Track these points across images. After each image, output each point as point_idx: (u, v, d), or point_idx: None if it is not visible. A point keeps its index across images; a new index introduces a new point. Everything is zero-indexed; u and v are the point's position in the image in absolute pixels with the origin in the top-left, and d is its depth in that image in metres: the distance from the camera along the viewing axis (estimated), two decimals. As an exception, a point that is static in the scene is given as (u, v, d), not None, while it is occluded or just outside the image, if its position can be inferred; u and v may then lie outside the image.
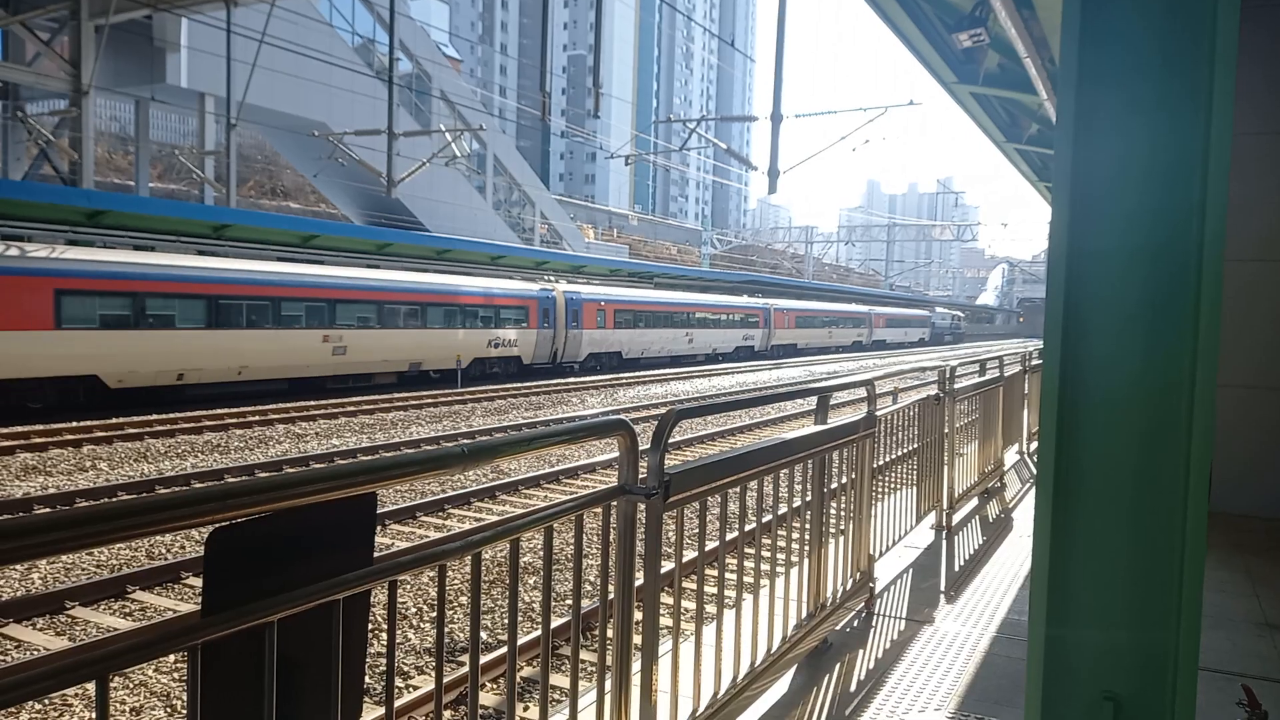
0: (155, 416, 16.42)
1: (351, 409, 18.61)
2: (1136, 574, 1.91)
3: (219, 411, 17.22)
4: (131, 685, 5.43)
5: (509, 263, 33.22)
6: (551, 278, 34.06)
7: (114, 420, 15.81)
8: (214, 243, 23.05)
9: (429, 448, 13.97)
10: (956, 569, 5.43)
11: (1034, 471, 8.81)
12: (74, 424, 15.16)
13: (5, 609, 6.74)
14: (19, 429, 14.33)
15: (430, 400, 20.76)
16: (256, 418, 16.99)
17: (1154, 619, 1.90)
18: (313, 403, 19.31)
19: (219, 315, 19.78)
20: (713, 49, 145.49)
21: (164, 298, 18.76)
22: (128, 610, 7.11)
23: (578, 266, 37.92)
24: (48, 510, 9.53)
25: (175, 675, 5.57)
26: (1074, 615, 1.96)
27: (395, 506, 9.93)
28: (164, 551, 8.40)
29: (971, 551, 5.83)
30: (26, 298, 16.41)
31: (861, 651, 4.03)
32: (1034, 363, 9.83)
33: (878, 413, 4.39)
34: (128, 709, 5.20)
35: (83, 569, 7.90)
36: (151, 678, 5.53)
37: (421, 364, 25.15)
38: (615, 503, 2.43)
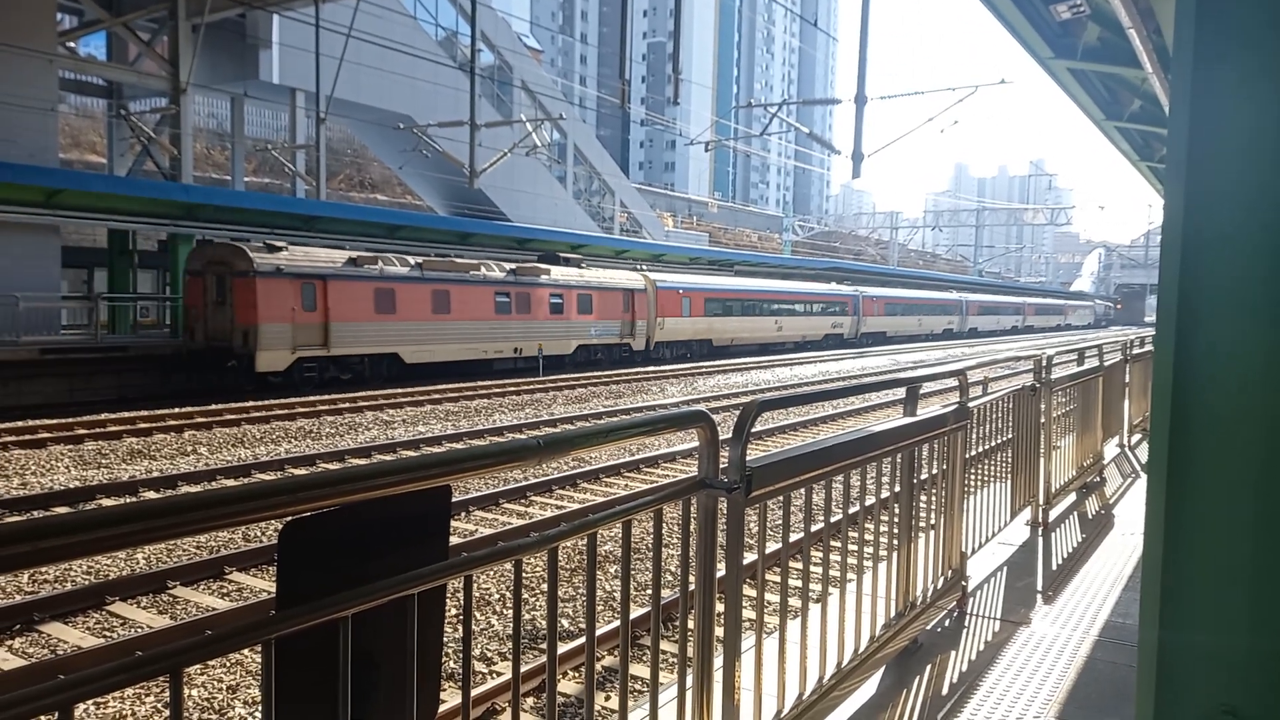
0: (252, 404, 17.03)
1: (437, 396, 18.99)
2: (1260, 575, 1.76)
3: (312, 399, 17.76)
4: (226, 664, 5.61)
5: (593, 251, 33.37)
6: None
7: (213, 407, 16.46)
8: (306, 234, 23.76)
9: (503, 440, 14.12)
10: (1054, 568, 5.19)
11: (1136, 466, 8.40)
12: (175, 410, 15.83)
13: (112, 588, 7.05)
14: (125, 415, 15.03)
15: (513, 389, 21.02)
16: (347, 404, 17.46)
17: (1279, 626, 1.75)
18: (400, 390, 19.77)
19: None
20: (794, 31, 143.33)
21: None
22: (225, 590, 7.37)
23: (657, 255, 37.86)
24: (143, 499, 9.93)
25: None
26: (1190, 620, 1.81)
27: (478, 494, 10.07)
28: (258, 534, 8.67)
29: (1070, 550, 5.58)
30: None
31: (953, 653, 3.87)
32: (1135, 352, 9.38)
33: (970, 404, 4.21)
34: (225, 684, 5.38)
35: (183, 550, 8.22)
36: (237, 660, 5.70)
37: (794, 338, 40.31)
38: (695, 497, 2.35)
